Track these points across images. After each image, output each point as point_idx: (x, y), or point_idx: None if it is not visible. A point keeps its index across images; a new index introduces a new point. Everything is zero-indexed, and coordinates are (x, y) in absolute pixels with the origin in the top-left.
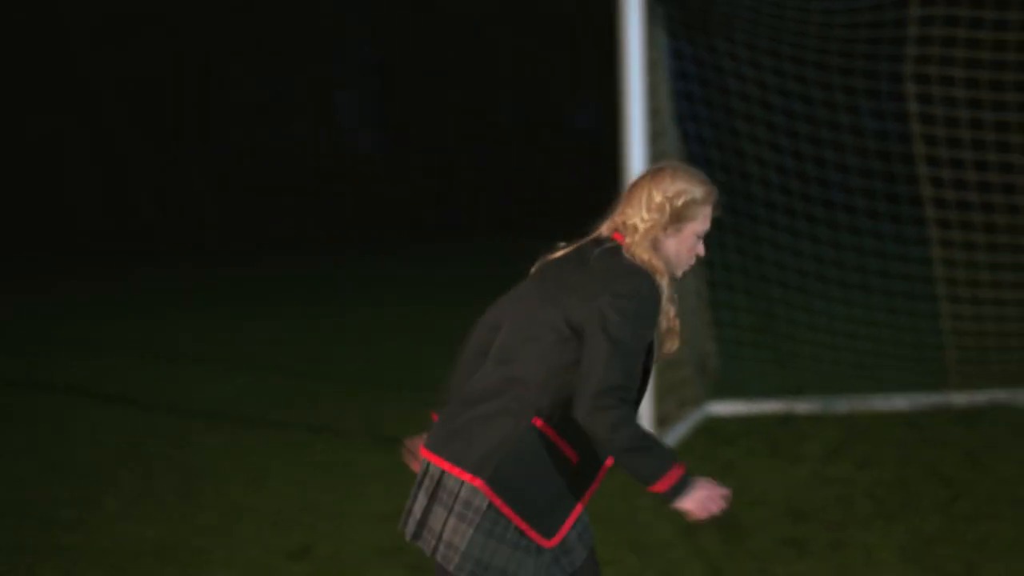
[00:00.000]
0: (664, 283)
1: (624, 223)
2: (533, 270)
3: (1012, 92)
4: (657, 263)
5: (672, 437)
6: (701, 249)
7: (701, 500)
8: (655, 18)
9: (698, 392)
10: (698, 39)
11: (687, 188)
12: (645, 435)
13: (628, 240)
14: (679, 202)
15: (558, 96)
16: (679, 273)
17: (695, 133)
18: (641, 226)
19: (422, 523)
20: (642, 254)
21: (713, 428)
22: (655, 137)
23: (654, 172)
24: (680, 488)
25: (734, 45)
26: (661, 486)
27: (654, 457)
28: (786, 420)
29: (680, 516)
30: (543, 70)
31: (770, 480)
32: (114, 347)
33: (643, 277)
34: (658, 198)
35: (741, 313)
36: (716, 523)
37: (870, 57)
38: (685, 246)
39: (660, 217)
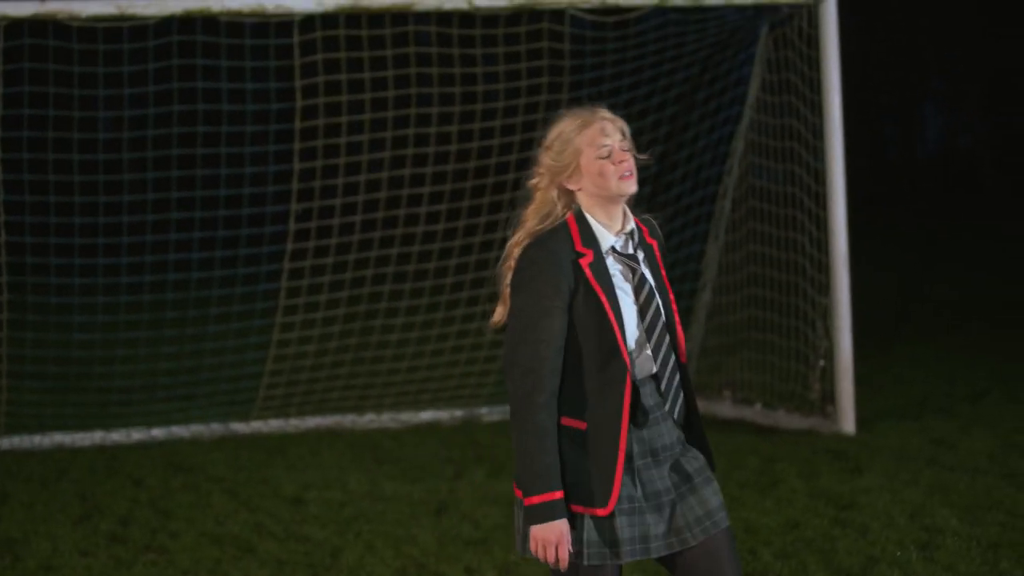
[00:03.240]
0: (564, 233)
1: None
2: None
3: None
4: (567, 211)
5: None
6: (613, 162)
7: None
8: None
9: None
10: None
11: (557, 130)
12: (540, 435)
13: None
14: (555, 148)
15: None
16: (622, 191)
17: None
18: (539, 190)
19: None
20: (556, 211)
21: None
22: None
23: None
24: (542, 513)
25: None
26: (529, 500)
27: (536, 466)
28: None
29: None
30: None
31: None
32: None
33: (527, 247)
34: (541, 158)
35: None
36: None
37: None
38: (593, 172)
39: (548, 172)
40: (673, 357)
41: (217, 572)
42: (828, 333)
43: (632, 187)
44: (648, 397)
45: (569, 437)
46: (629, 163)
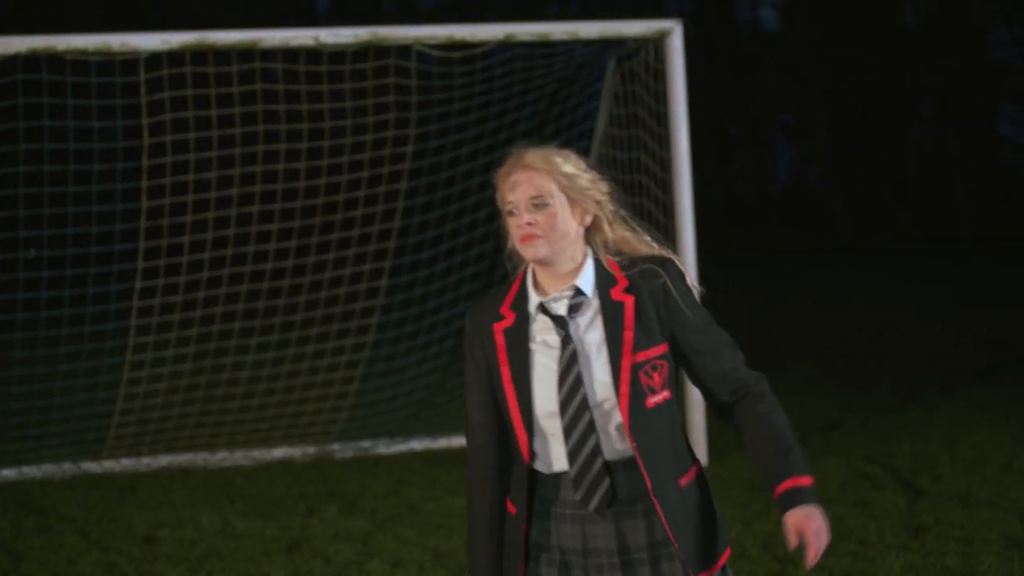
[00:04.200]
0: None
1: None
2: None
3: None
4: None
5: None
6: (515, 224)
7: None
8: None
9: None
10: None
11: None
12: (470, 520)
13: None
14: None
15: None
16: (525, 254)
17: None
18: None
19: None
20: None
21: None
22: None
23: None
24: None
25: None
26: None
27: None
28: None
29: None
30: None
31: None
32: None
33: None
34: None
35: None
36: None
37: None
38: (507, 228)
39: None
40: (593, 440)
41: None
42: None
43: (533, 251)
44: (550, 487)
45: (508, 520)
46: (532, 226)
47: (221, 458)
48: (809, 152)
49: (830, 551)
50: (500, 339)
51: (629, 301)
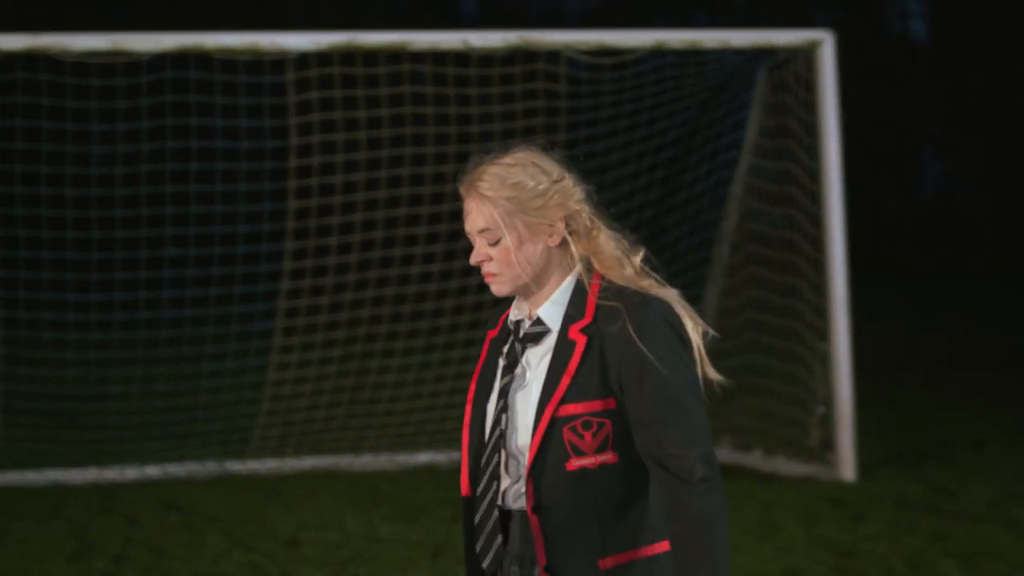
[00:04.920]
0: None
1: None
2: None
3: None
4: None
5: None
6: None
7: None
8: None
9: None
10: None
11: None
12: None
13: None
14: None
15: None
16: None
17: None
18: None
19: None
20: None
21: None
22: None
23: None
24: None
25: None
26: None
27: None
28: None
29: None
30: None
31: None
32: None
33: None
34: None
35: None
36: None
37: None
38: None
39: None
40: (494, 486)
41: None
42: (827, 379)
43: (495, 289)
44: (469, 522)
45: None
46: (487, 263)
47: (366, 462)
48: (957, 166)
49: (978, 570)
50: (484, 348)
51: (580, 342)
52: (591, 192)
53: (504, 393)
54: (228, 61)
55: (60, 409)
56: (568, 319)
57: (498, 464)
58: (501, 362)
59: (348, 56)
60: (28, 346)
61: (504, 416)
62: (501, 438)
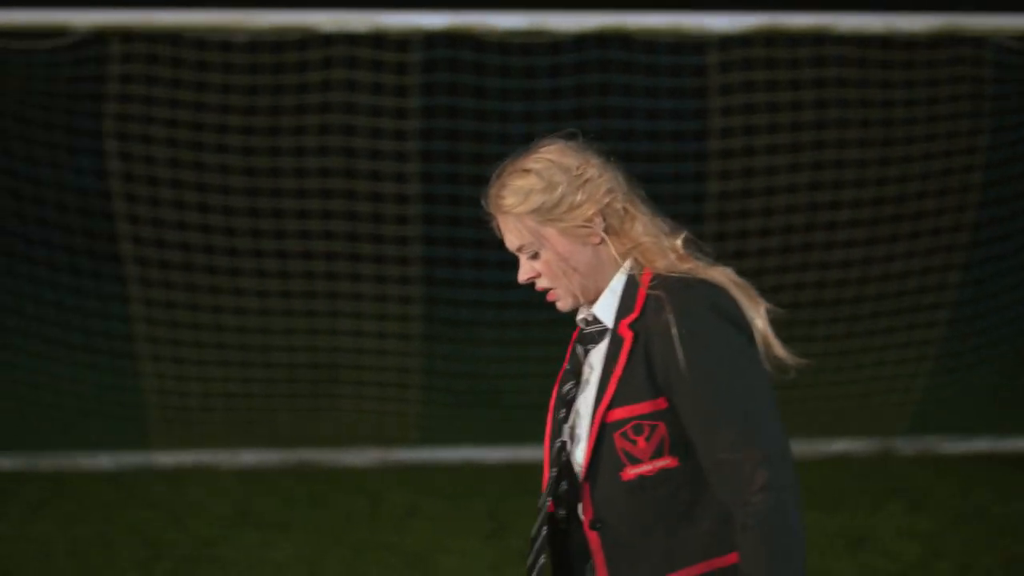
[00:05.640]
0: None
1: None
2: None
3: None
4: None
5: None
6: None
7: None
8: None
9: None
10: None
11: None
12: None
13: None
14: None
15: None
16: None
17: None
18: None
19: None
20: None
21: None
22: None
23: None
24: None
25: None
26: None
27: None
28: None
29: None
30: None
31: None
32: None
33: None
34: None
35: None
36: None
37: (69, 112)
38: None
39: None
40: (545, 499)
41: None
42: None
43: (561, 306)
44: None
45: None
46: (538, 279)
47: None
48: None
49: None
50: (568, 351)
51: (628, 339)
52: (621, 176)
53: (567, 401)
54: (649, 42)
55: (478, 387)
56: (620, 314)
57: (555, 478)
58: (577, 355)
59: (770, 38)
60: (448, 324)
61: (565, 426)
62: (563, 450)
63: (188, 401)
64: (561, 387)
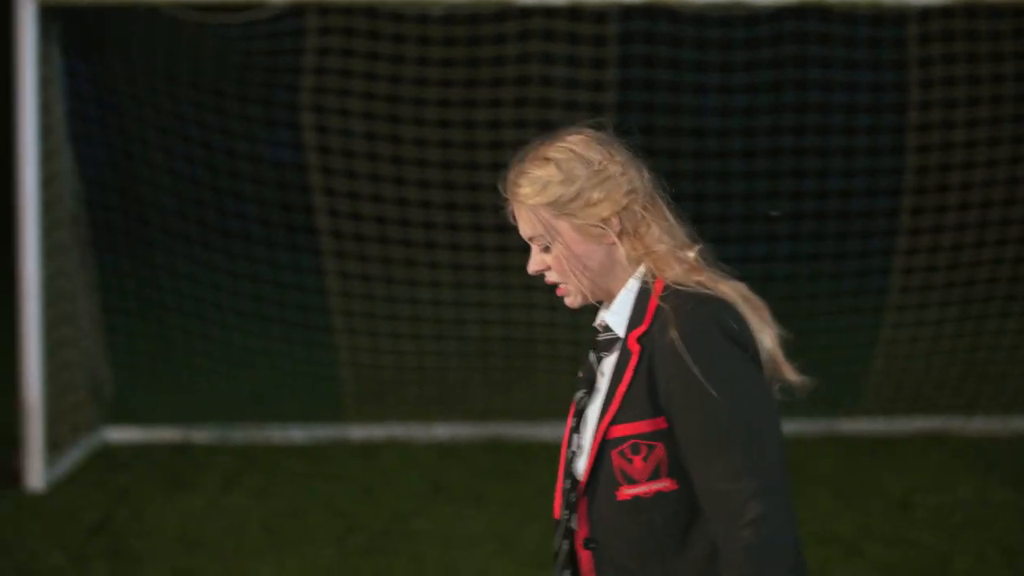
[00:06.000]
0: None
1: None
2: None
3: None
4: None
5: (66, 462)
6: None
7: None
8: (49, 34)
9: (92, 417)
10: (93, 58)
11: None
12: None
13: None
14: None
15: None
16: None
17: (90, 154)
18: None
19: None
20: None
21: (108, 454)
22: (48, 156)
23: None
24: None
25: (129, 67)
26: None
27: None
28: (182, 449)
29: None
30: None
31: (164, 509)
32: None
33: None
34: None
35: (138, 339)
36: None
37: (267, 85)
38: None
39: None
40: (565, 516)
41: (824, 572)
42: None
43: (569, 302)
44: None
45: None
46: (548, 273)
47: (978, 426)
48: None
49: None
50: (586, 357)
51: (635, 352)
52: (646, 175)
53: (579, 411)
54: (848, 14)
55: None
56: (631, 325)
57: (569, 490)
58: (590, 365)
59: (971, 10)
60: None
61: (575, 436)
62: (572, 461)
63: (382, 374)
64: (576, 394)
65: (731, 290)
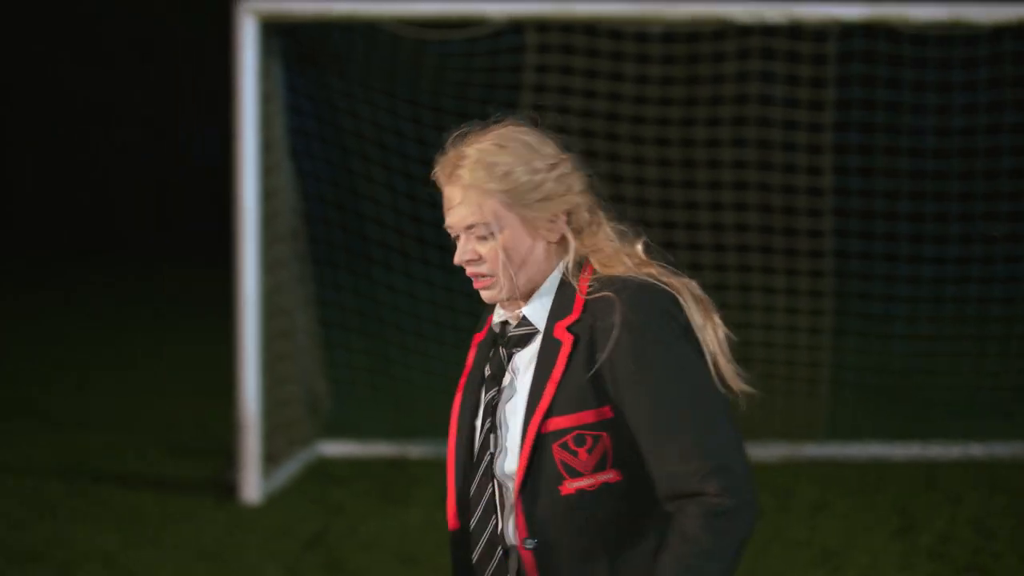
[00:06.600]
0: None
1: None
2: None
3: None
4: None
5: (281, 476)
6: (458, 251)
7: None
8: (271, 49)
9: (308, 431)
10: (312, 73)
11: None
12: None
13: None
14: None
15: (175, 125)
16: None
17: (310, 169)
18: None
19: None
20: None
21: (324, 469)
22: (269, 171)
23: None
24: None
25: (349, 83)
26: None
27: None
28: (398, 463)
29: None
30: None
31: (380, 524)
32: None
33: None
34: None
35: (355, 354)
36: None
37: (485, 101)
38: None
39: None
40: (493, 521)
41: None
42: None
43: (487, 296)
44: (459, 560)
45: None
46: (476, 264)
47: None
48: None
49: None
50: (470, 355)
51: (567, 342)
52: (589, 176)
53: (491, 409)
54: (918, 35)
55: (886, 383)
56: (553, 316)
57: (493, 493)
58: (487, 371)
59: None
60: (859, 319)
61: (492, 436)
62: (492, 463)
63: None
64: (477, 394)
65: (679, 284)
